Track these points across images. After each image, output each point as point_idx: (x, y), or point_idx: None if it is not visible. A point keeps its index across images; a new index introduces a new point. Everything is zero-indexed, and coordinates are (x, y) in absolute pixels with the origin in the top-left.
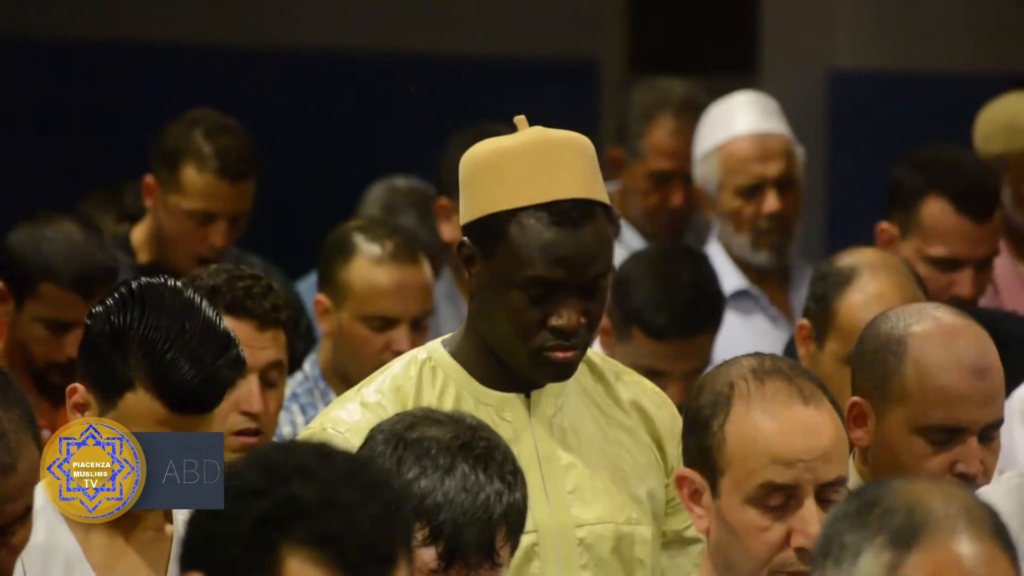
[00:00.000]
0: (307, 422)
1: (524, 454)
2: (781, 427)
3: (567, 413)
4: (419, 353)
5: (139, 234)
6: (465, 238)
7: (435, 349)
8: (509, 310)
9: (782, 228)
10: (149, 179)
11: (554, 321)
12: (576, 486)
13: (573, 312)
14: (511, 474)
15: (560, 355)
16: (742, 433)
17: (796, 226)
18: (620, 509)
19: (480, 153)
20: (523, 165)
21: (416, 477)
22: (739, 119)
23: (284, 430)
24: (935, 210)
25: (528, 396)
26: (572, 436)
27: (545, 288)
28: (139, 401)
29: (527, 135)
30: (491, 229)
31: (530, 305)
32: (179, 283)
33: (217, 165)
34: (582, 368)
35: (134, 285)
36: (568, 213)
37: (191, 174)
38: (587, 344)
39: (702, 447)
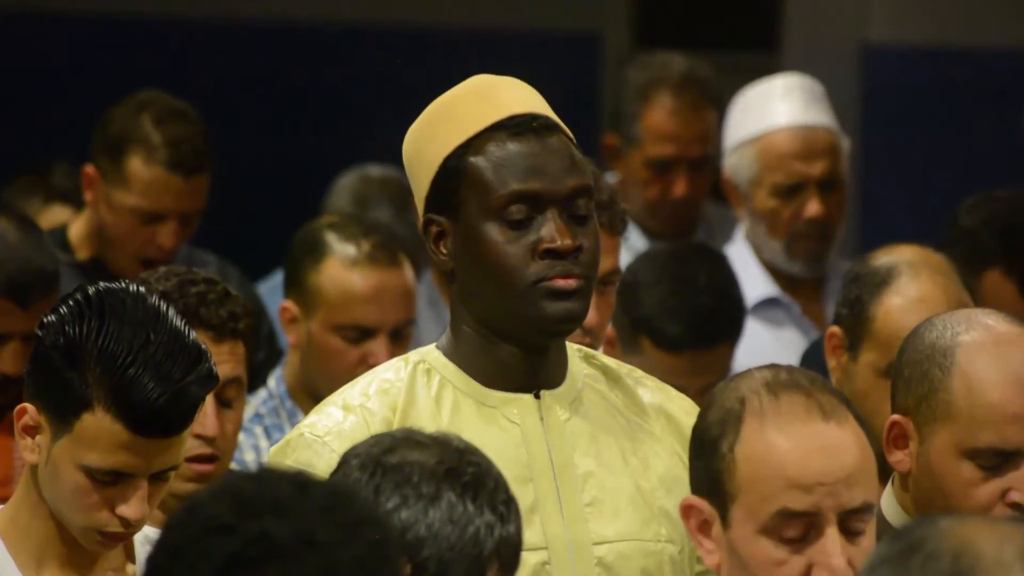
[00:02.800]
0: (273, 446)
1: (536, 460)
2: (798, 446)
3: (584, 416)
4: (410, 356)
5: (77, 229)
6: (428, 215)
7: (428, 351)
8: (492, 252)
9: (822, 235)
10: (89, 169)
11: (544, 244)
12: (595, 498)
13: (563, 230)
14: (504, 504)
15: (561, 281)
16: (754, 454)
17: (837, 233)
18: (647, 525)
19: (416, 124)
20: (464, 103)
21: (396, 507)
22: (780, 107)
23: (247, 456)
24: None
25: (538, 397)
26: (590, 442)
27: (524, 208)
28: (98, 423)
29: (462, 83)
30: (450, 175)
31: (513, 235)
32: (142, 288)
33: (168, 157)
34: (596, 373)
35: (91, 291)
36: (528, 123)
37: (137, 166)
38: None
39: (710, 471)
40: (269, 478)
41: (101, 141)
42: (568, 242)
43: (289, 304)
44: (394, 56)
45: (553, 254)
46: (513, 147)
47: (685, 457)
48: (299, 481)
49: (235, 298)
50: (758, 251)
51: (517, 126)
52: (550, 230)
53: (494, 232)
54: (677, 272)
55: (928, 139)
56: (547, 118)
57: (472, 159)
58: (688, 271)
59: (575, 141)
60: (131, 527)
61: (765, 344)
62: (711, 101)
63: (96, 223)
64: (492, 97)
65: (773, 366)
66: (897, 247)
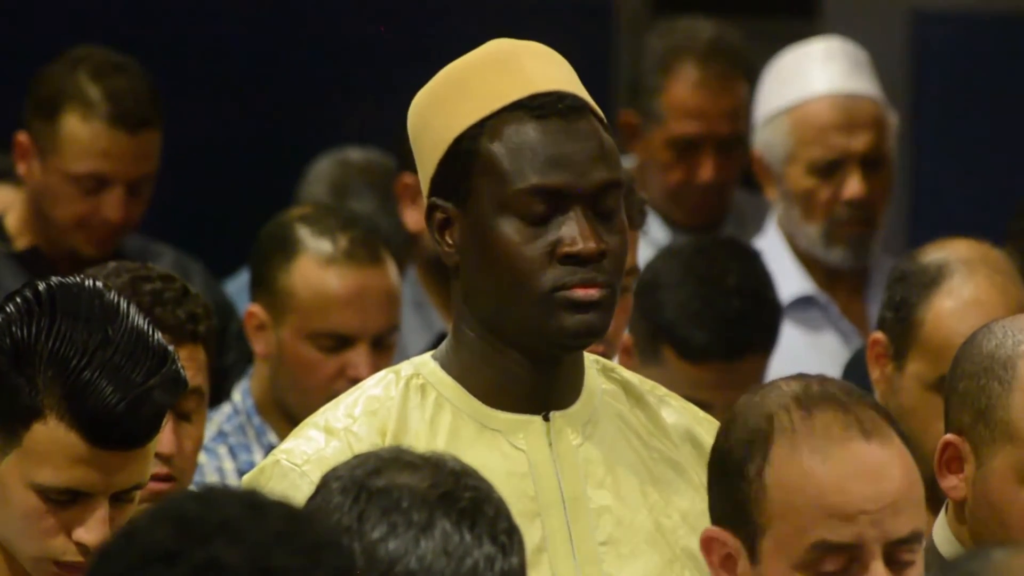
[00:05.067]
0: (239, 468)
1: (544, 493)
2: (836, 470)
3: (598, 442)
4: (402, 368)
5: (15, 217)
6: (433, 198)
7: (423, 363)
8: (504, 252)
9: (865, 219)
10: (22, 137)
11: (564, 248)
12: (611, 536)
13: (587, 232)
14: (505, 534)
15: (581, 291)
16: (786, 480)
17: (881, 217)
18: (668, 567)
19: (425, 91)
20: (481, 74)
21: (383, 537)
22: (819, 73)
23: (210, 479)
24: None
25: (547, 419)
26: (606, 472)
27: (543, 204)
28: (50, 434)
29: (479, 49)
30: (460, 159)
31: (529, 234)
32: (99, 283)
33: (108, 111)
34: (615, 389)
35: (41, 287)
36: (553, 104)
37: (74, 125)
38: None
39: (735, 499)
40: (217, 498)
41: (33, 104)
42: (591, 246)
43: (256, 309)
44: (379, 22)
45: (574, 259)
46: (534, 132)
47: None
48: (251, 501)
49: (195, 297)
50: (792, 240)
51: (540, 107)
52: (571, 231)
53: (508, 229)
54: (704, 271)
55: (988, 117)
56: (574, 98)
57: (487, 143)
58: (716, 270)
59: (605, 121)
60: (90, 556)
61: (799, 350)
62: (742, 73)
63: (33, 203)
64: (513, 70)
65: (803, 377)
66: (950, 242)
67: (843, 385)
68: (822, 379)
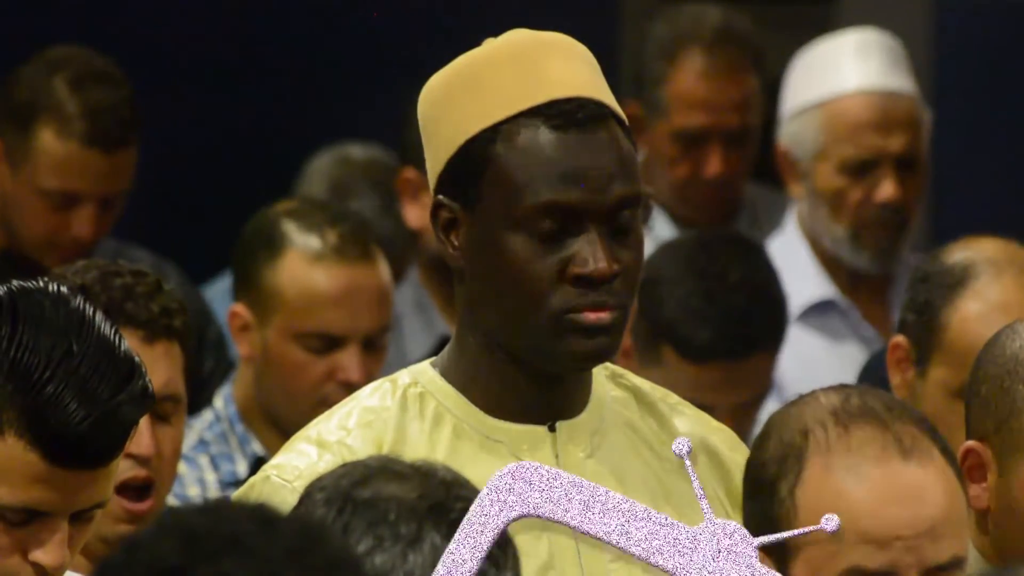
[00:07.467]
0: (222, 479)
1: None
2: (871, 493)
3: (607, 454)
4: (400, 377)
5: None
6: (439, 196)
7: (421, 371)
8: (513, 269)
9: (896, 223)
10: None
11: (576, 268)
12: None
13: (600, 252)
14: (499, 547)
15: (592, 315)
16: (819, 501)
17: (913, 222)
18: None
19: (439, 79)
20: (501, 70)
21: (369, 551)
22: (854, 68)
23: (190, 491)
24: None
25: (553, 430)
26: (616, 484)
27: (556, 221)
28: (9, 452)
29: (500, 39)
30: (470, 163)
31: (539, 251)
32: (64, 289)
33: (85, 129)
34: (625, 396)
35: (2, 291)
36: (571, 114)
37: (49, 139)
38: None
39: (767, 517)
40: (226, 513)
41: (6, 108)
42: (604, 267)
43: (240, 308)
44: (374, 8)
45: (585, 281)
46: (550, 144)
47: (728, 501)
48: (262, 517)
49: (168, 292)
50: (814, 241)
51: (558, 116)
52: (584, 250)
53: (517, 245)
54: (704, 267)
55: (1016, 110)
56: (595, 105)
57: (499, 150)
58: (718, 266)
59: (627, 124)
60: (96, 571)
61: (817, 357)
62: (751, 62)
63: (2, 207)
64: (533, 70)
65: (843, 388)
66: (976, 241)
67: (885, 398)
68: (863, 392)
